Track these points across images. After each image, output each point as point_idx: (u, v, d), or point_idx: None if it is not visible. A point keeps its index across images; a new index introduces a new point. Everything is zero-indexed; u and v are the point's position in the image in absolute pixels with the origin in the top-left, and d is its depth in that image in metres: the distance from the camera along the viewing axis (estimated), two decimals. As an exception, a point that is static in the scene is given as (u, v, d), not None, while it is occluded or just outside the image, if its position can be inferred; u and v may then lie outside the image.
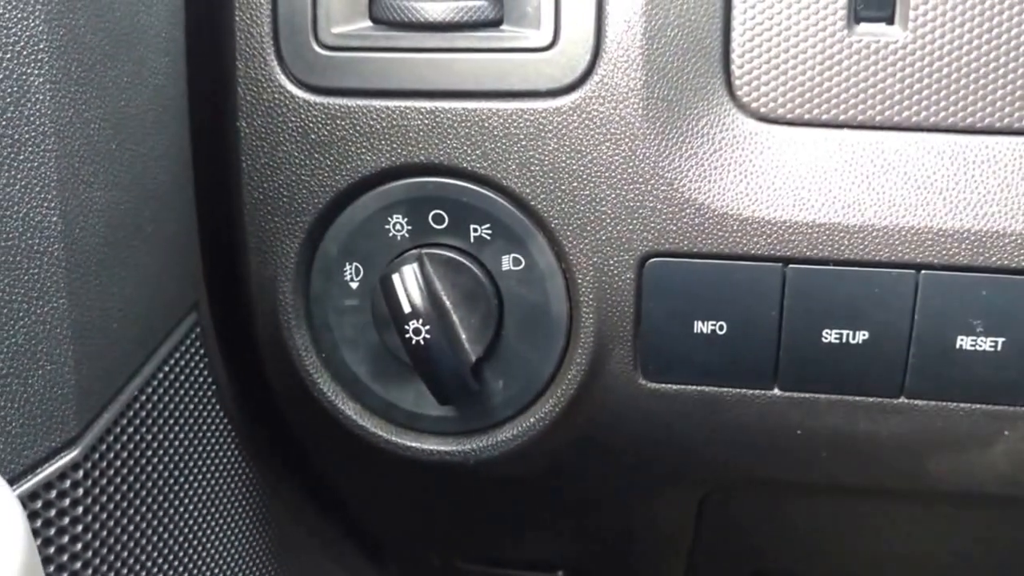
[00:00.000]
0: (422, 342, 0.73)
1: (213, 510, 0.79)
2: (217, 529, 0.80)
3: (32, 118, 0.55)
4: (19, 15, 0.54)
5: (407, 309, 0.73)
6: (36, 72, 0.55)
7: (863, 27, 0.70)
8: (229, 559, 0.82)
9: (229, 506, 0.81)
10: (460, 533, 1.05)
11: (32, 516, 0.58)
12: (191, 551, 0.76)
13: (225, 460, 0.81)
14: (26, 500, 0.57)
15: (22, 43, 0.54)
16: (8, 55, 0.54)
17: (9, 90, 0.54)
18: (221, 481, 0.80)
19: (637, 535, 1.01)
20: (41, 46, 0.55)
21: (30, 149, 0.55)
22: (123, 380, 0.66)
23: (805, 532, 0.99)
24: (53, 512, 0.59)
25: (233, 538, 0.82)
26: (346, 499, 1.03)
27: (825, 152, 0.71)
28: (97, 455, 0.62)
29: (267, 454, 0.88)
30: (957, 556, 0.98)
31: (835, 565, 1.03)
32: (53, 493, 0.59)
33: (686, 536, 0.99)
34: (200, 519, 0.77)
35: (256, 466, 0.86)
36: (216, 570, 0.80)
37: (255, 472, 0.85)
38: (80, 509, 0.61)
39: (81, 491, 0.61)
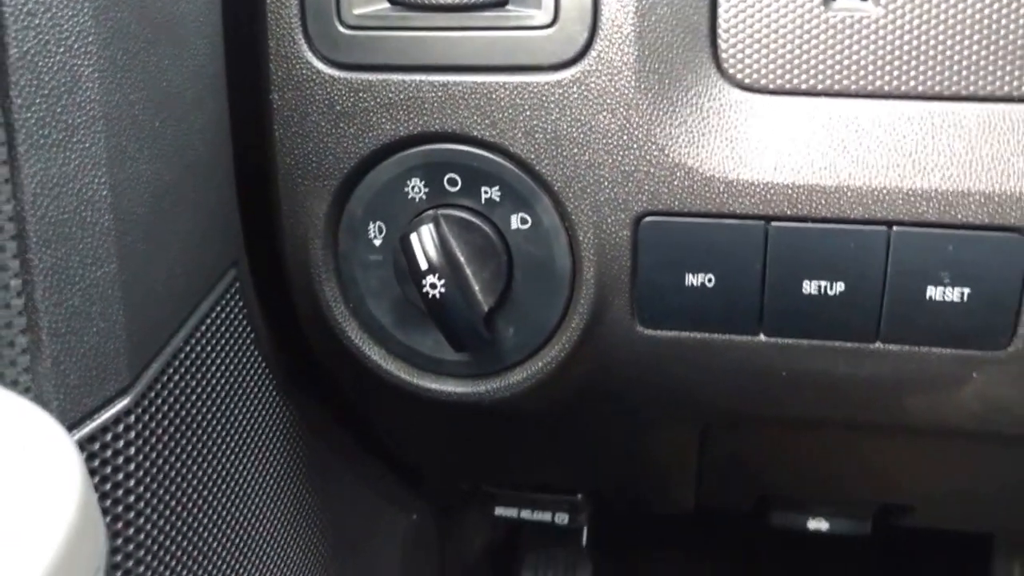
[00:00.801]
0: (438, 295, 0.76)
1: (255, 447, 0.82)
2: (259, 464, 0.83)
3: (83, 104, 0.58)
4: (70, 12, 0.56)
5: (424, 265, 0.76)
6: (86, 63, 0.58)
7: (839, 3, 0.72)
8: (271, 490, 0.84)
9: (270, 442, 0.85)
10: (482, 462, 1.08)
11: (89, 458, 0.60)
12: (235, 486, 0.79)
13: (265, 401, 0.84)
14: (84, 443, 0.60)
15: (73, 38, 0.57)
16: (61, 49, 0.56)
17: (63, 80, 0.56)
18: (262, 420, 0.83)
19: (644, 463, 1.04)
20: (90, 39, 0.58)
21: (82, 132, 0.58)
22: (169, 333, 0.69)
23: (804, 460, 1.01)
24: (109, 453, 0.62)
25: (274, 471, 0.85)
26: (378, 433, 1.07)
27: (804, 119, 0.73)
28: (147, 401, 0.65)
29: (304, 395, 0.91)
30: (949, 479, 1.01)
31: (837, 490, 1.06)
32: (108, 436, 0.62)
33: (691, 464, 1.01)
34: (243, 456, 0.80)
35: (294, 406, 0.89)
36: (259, 500, 0.83)
37: (293, 411, 0.89)
38: (132, 450, 0.63)
39: (133, 434, 0.63)
